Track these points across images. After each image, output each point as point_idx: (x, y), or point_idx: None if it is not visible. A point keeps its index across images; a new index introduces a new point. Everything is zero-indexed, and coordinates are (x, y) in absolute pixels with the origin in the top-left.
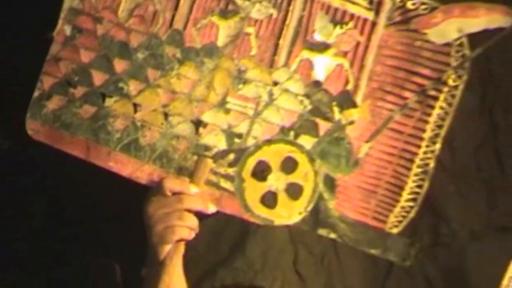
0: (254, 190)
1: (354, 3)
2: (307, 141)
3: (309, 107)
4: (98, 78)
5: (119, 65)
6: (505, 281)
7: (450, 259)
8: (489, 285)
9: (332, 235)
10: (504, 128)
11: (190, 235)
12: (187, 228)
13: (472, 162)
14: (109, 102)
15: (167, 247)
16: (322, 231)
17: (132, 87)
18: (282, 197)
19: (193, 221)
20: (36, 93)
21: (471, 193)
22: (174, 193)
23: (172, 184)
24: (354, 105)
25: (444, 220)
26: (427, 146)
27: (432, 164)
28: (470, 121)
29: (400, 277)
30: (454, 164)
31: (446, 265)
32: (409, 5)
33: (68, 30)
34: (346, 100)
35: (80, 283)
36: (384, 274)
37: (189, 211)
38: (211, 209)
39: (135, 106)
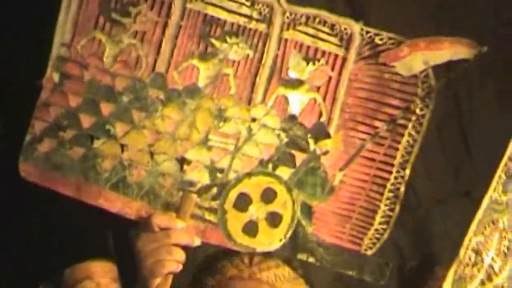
0: (236, 221)
1: (325, 40)
2: (284, 172)
3: (286, 140)
4: (86, 121)
5: (106, 108)
6: (466, 241)
7: (416, 224)
8: (452, 246)
9: (311, 259)
10: (468, 106)
11: (178, 268)
12: (175, 262)
13: (437, 139)
14: (97, 143)
15: (157, 280)
16: (301, 256)
17: (119, 128)
18: (262, 226)
19: (181, 255)
20: (27, 137)
21: (436, 166)
22: (162, 229)
23: (159, 220)
24: (327, 136)
25: (411, 189)
26: (397, 171)
27: (402, 188)
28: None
29: None
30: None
31: (413, 227)
32: (377, 40)
33: (56, 77)
34: (320, 132)
35: None
36: None
37: (177, 245)
38: (197, 242)
39: (122, 146)
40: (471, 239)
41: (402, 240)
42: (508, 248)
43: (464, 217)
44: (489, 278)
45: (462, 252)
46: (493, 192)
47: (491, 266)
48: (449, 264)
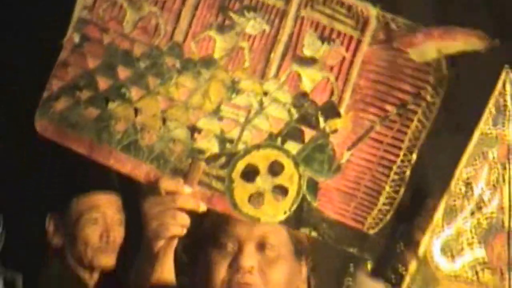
0: (242, 190)
1: (341, 21)
2: (293, 147)
3: (296, 115)
4: (103, 83)
5: (122, 72)
6: (457, 173)
7: None
8: (444, 178)
9: (313, 233)
10: None
11: (182, 232)
12: (179, 225)
13: None
14: (112, 105)
15: (161, 242)
16: (304, 230)
17: (134, 93)
18: (268, 197)
19: (185, 219)
20: (45, 94)
21: None
22: (168, 193)
23: (167, 184)
24: (338, 115)
25: None
26: (404, 155)
27: (408, 172)
28: None
29: None
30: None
31: None
32: (392, 25)
33: (76, 38)
34: (331, 110)
35: None
36: None
37: (182, 210)
38: (202, 208)
39: (136, 110)
40: (462, 171)
41: None
42: (497, 180)
43: (455, 150)
44: (479, 208)
45: (453, 184)
46: (484, 125)
47: (481, 197)
48: (441, 196)
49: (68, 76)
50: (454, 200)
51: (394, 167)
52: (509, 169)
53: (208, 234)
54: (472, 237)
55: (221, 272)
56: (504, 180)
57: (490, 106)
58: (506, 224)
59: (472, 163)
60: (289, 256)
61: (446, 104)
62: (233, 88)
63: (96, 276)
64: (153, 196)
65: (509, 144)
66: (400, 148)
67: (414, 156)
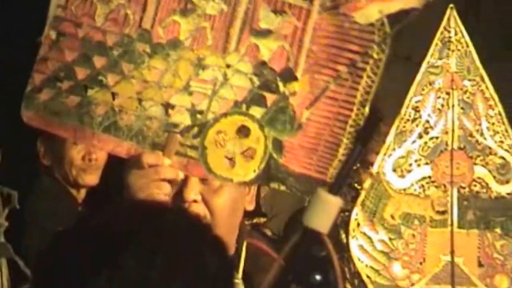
0: (215, 156)
1: None
2: (257, 112)
3: (257, 83)
4: (81, 73)
5: (98, 62)
6: (407, 101)
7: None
8: (395, 105)
9: (282, 187)
10: None
11: (166, 200)
12: (163, 195)
13: None
14: (91, 92)
15: None
16: (273, 185)
17: (110, 79)
18: (238, 159)
19: (168, 189)
20: (28, 88)
21: None
22: (150, 166)
23: (148, 158)
24: (295, 79)
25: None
26: (358, 109)
27: (362, 124)
28: None
29: None
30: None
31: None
32: None
33: (53, 35)
34: (288, 75)
35: None
36: None
37: (164, 180)
38: (181, 176)
39: (113, 94)
40: (411, 99)
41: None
42: (442, 105)
43: (405, 80)
44: (426, 131)
45: (403, 110)
46: (431, 57)
47: (427, 121)
48: (392, 121)
49: (48, 69)
50: (404, 124)
51: (350, 121)
52: (453, 96)
53: None
54: (420, 157)
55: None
56: (448, 106)
57: (436, 40)
58: (450, 145)
59: (420, 91)
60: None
61: (397, 38)
62: (199, 65)
63: (83, 192)
64: (137, 170)
65: (453, 74)
66: (353, 103)
67: (367, 110)
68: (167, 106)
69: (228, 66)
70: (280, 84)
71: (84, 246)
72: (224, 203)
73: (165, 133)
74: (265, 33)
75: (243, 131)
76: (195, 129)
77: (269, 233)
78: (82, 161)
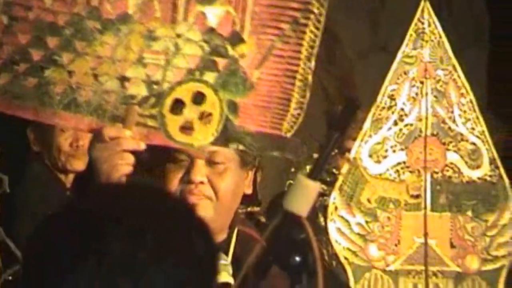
0: (174, 123)
1: None
2: (210, 77)
3: (208, 49)
4: (36, 54)
5: (51, 42)
6: (383, 89)
7: (342, 73)
8: (371, 93)
9: (241, 147)
10: None
11: (130, 169)
12: (127, 165)
13: None
14: (47, 72)
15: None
16: (232, 145)
17: (65, 58)
18: (196, 124)
19: (131, 159)
20: None
21: (357, 22)
22: (112, 138)
23: (109, 131)
24: (242, 41)
25: (338, 43)
26: (304, 63)
27: (310, 77)
28: None
29: None
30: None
31: (339, 77)
32: None
33: (5, 20)
34: (236, 39)
35: None
36: None
37: (126, 150)
38: (142, 146)
39: (69, 73)
40: (387, 87)
41: (330, 87)
42: (416, 94)
43: (381, 69)
44: (401, 118)
45: (379, 98)
46: (405, 47)
47: (402, 109)
48: (369, 108)
49: (4, 54)
50: (380, 112)
51: (298, 76)
52: (426, 85)
53: (164, 151)
54: (395, 143)
55: (174, 182)
56: (422, 94)
57: (411, 31)
58: (423, 131)
59: (395, 80)
60: (235, 168)
61: (374, 29)
62: (150, 36)
63: (71, 177)
64: (99, 143)
65: (426, 63)
66: (299, 59)
67: (313, 63)
68: (123, 79)
69: (178, 35)
70: (229, 48)
71: (72, 230)
72: (228, 186)
73: (123, 105)
74: (211, 0)
75: (198, 97)
76: (152, 99)
77: (263, 219)
78: (69, 147)
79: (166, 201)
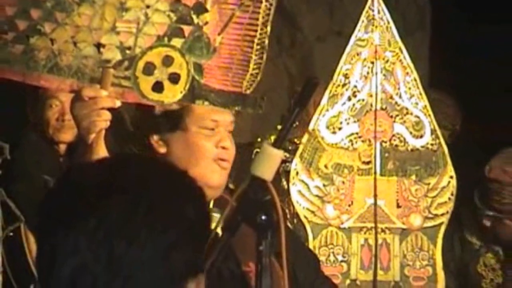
0: (146, 83)
1: None
2: (177, 42)
3: (175, 18)
4: (21, 25)
5: (35, 13)
6: (338, 68)
7: (303, 56)
8: (329, 73)
9: (206, 103)
10: None
11: (107, 124)
12: (104, 120)
13: None
14: (32, 40)
15: (93, 135)
16: (198, 102)
17: (47, 27)
18: (166, 84)
19: (108, 115)
20: None
21: (316, 9)
22: (90, 98)
23: (88, 91)
24: (206, 10)
25: (299, 30)
26: (261, 29)
27: (266, 41)
28: None
29: None
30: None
31: (300, 58)
32: None
33: None
34: (200, 8)
35: None
36: None
37: (103, 108)
38: (118, 103)
39: (52, 40)
40: (341, 67)
41: (292, 67)
42: (367, 73)
43: (337, 51)
44: (354, 95)
45: (335, 77)
46: (358, 32)
47: (355, 86)
48: (326, 86)
49: None
50: (336, 89)
51: (256, 40)
52: (376, 65)
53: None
54: (349, 116)
55: (210, 146)
56: (372, 73)
57: (363, 18)
58: (374, 106)
59: (349, 61)
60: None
61: (331, 16)
62: (122, 8)
63: (63, 147)
64: (79, 102)
65: (376, 46)
66: (257, 25)
67: (269, 29)
68: (99, 46)
69: (147, 6)
70: (194, 17)
71: (73, 196)
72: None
73: (100, 68)
74: None
75: (167, 60)
76: (126, 63)
77: (231, 186)
78: (56, 121)
79: (159, 169)
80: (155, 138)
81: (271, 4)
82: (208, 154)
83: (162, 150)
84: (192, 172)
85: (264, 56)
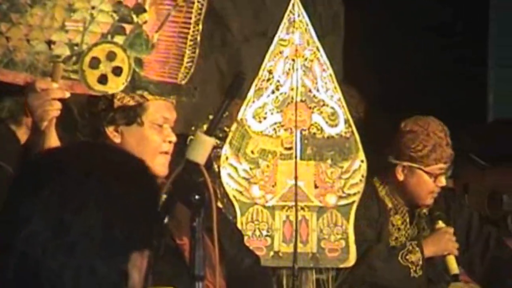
0: (92, 76)
1: None
2: (120, 39)
3: (117, 18)
4: None
5: None
6: (263, 65)
7: (231, 55)
8: (255, 69)
9: (145, 93)
10: None
11: (58, 113)
12: (55, 110)
13: None
14: None
15: (45, 123)
16: (139, 91)
17: (3, 27)
18: (110, 76)
19: (58, 105)
20: None
21: (243, 12)
22: (43, 90)
23: (40, 84)
24: (145, 11)
25: (228, 31)
26: (194, 27)
27: (198, 38)
28: None
29: None
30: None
31: (229, 56)
32: None
33: None
34: (139, 9)
35: None
36: None
37: (55, 99)
38: (67, 94)
39: (7, 38)
40: (266, 64)
41: (222, 65)
42: (289, 69)
43: (262, 50)
44: (277, 88)
45: (260, 72)
46: (281, 33)
47: (278, 81)
48: (253, 80)
49: None
50: (261, 83)
51: (189, 36)
52: (296, 62)
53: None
54: (273, 107)
55: (159, 140)
56: (293, 69)
57: (285, 20)
58: (294, 98)
59: (273, 58)
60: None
61: (256, 18)
62: (70, 9)
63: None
64: (33, 93)
65: (296, 45)
66: (190, 24)
67: (200, 27)
68: (50, 43)
69: (93, 7)
70: (134, 16)
71: (34, 171)
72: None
73: (51, 63)
74: None
75: (111, 55)
76: (74, 58)
77: None
78: None
79: (115, 151)
80: (110, 129)
81: (202, 5)
82: (157, 147)
83: (117, 140)
84: None
85: (197, 51)
